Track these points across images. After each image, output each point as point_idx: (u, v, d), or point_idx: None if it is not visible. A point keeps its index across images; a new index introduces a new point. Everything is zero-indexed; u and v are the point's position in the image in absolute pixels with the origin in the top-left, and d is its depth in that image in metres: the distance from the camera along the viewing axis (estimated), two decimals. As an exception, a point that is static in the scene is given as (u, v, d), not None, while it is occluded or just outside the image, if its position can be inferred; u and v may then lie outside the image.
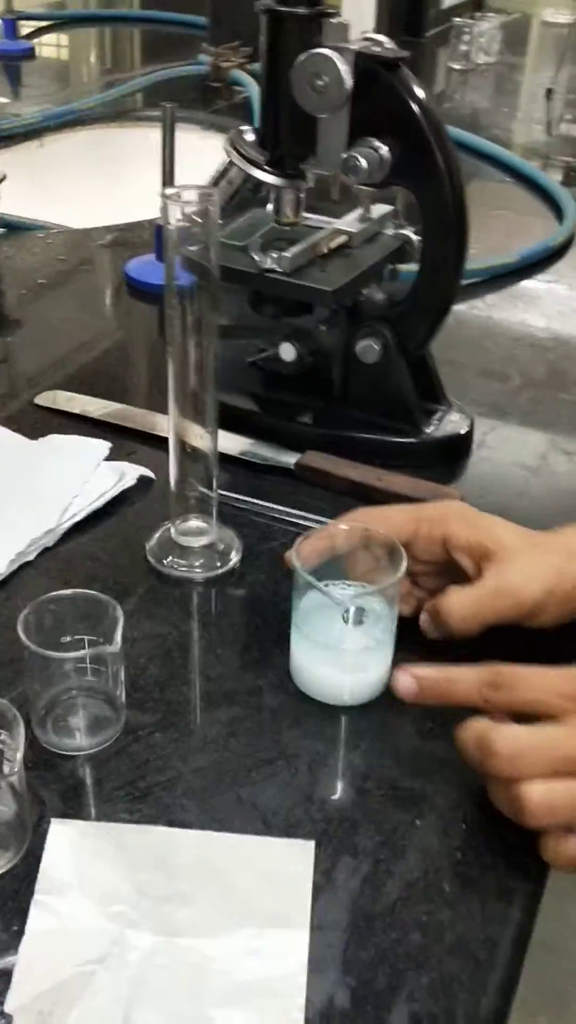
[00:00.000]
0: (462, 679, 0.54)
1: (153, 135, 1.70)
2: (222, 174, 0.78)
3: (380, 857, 0.52)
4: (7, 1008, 0.42)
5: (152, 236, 1.14)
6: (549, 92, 1.99)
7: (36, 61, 2.02)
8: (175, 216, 0.59)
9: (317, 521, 0.74)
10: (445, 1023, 0.45)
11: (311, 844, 0.51)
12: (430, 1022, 0.45)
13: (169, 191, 0.58)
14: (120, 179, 1.60)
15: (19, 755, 0.48)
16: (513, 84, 2.12)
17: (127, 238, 1.23)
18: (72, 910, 0.48)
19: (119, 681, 0.58)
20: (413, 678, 0.55)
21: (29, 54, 2.00)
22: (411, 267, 0.80)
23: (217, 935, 0.47)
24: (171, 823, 0.53)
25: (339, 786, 0.57)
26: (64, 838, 0.51)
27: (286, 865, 0.50)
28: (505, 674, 0.53)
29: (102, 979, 0.45)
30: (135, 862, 0.50)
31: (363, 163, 0.72)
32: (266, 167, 0.76)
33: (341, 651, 0.59)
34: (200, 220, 0.59)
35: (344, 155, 0.72)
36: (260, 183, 0.79)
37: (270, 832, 0.53)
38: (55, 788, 0.55)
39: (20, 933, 0.47)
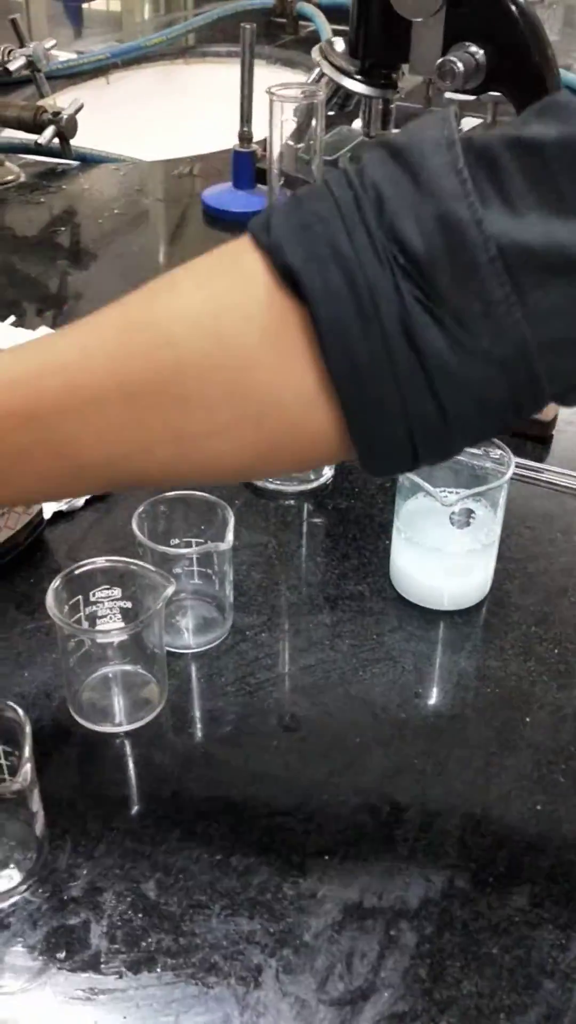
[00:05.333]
0: None
1: (218, 71, 1.69)
2: (312, 86, 0.77)
3: (492, 751, 0.53)
4: None
5: (228, 165, 1.13)
6: (622, 20, 1.93)
7: (91, 6, 2.00)
8: (279, 117, 0.58)
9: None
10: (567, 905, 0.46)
11: None
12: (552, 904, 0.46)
13: (273, 87, 0.57)
14: (186, 115, 1.59)
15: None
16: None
17: (201, 168, 1.23)
18: None
19: (228, 581, 0.58)
20: None
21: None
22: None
23: None
24: (282, 717, 0.54)
25: (446, 685, 0.57)
26: None
27: None
28: None
29: None
30: None
31: (460, 67, 0.70)
32: (356, 76, 0.75)
33: (446, 554, 0.59)
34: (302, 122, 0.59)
35: (439, 60, 0.71)
36: (349, 95, 0.78)
37: (378, 724, 0.54)
38: (170, 683, 0.56)
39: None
